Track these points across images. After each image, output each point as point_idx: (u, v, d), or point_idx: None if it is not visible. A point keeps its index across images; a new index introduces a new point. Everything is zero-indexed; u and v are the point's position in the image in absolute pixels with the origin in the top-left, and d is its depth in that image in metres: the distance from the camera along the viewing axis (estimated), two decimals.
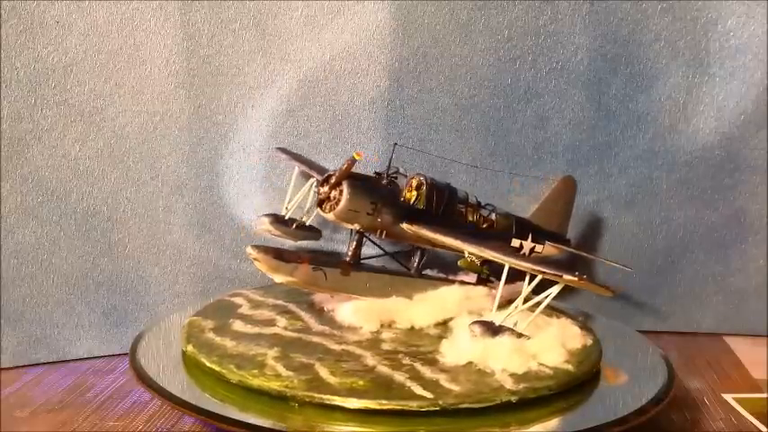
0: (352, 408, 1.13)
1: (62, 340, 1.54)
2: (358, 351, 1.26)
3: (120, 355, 1.53)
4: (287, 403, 1.15)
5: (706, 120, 1.64)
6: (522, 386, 1.17)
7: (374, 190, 1.31)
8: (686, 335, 1.71)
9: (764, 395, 1.47)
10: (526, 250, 1.47)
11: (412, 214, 1.34)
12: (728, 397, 1.45)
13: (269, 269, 1.28)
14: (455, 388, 1.15)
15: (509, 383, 1.17)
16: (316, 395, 1.14)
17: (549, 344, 1.25)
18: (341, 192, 1.28)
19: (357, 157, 1.27)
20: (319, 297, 1.41)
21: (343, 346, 1.27)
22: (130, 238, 1.56)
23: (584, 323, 1.42)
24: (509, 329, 1.22)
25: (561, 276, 1.19)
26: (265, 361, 1.22)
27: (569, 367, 1.23)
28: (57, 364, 1.53)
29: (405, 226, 1.33)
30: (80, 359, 1.55)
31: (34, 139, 1.48)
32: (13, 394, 1.42)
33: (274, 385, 1.16)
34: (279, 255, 1.29)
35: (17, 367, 1.51)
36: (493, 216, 1.44)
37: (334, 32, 1.54)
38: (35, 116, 1.47)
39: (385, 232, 1.34)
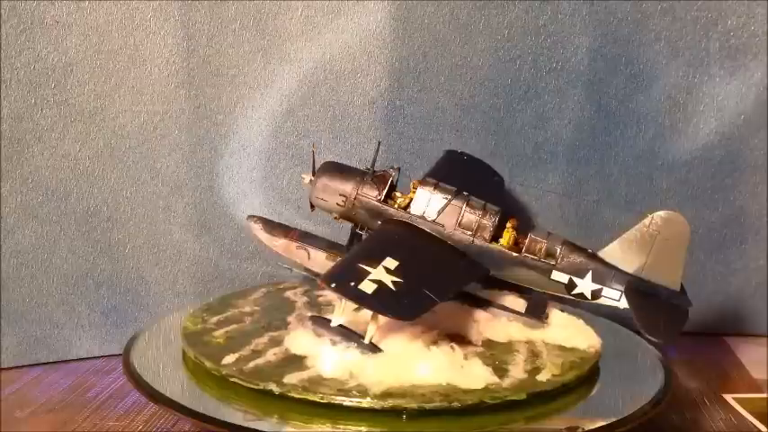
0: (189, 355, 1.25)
1: (62, 340, 1.54)
2: (296, 327, 1.30)
3: (120, 355, 1.51)
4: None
5: (706, 120, 1.64)
6: (294, 382, 1.13)
7: (344, 184, 1.31)
8: (686, 335, 1.70)
9: (764, 395, 1.47)
10: (584, 291, 1.27)
11: (393, 216, 1.30)
12: (728, 397, 1.45)
13: (256, 236, 1.39)
14: (257, 363, 1.19)
15: (295, 379, 1.14)
16: (188, 346, 1.26)
17: (381, 364, 1.16)
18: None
19: (313, 149, 1.35)
20: None
21: (294, 321, 1.33)
22: (130, 238, 1.56)
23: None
24: (343, 335, 1.19)
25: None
26: (230, 314, 1.36)
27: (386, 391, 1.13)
28: (57, 364, 1.53)
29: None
30: (80, 359, 1.55)
31: (34, 139, 1.48)
32: (13, 394, 1.42)
33: (185, 323, 1.32)
34: (269, 226, 1.38)
35: (17, 367, 1.51)
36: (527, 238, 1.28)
37: (334, 32, 1.54)
38: (35, 116, 1.47)
39: (367, 227, 1.33)
